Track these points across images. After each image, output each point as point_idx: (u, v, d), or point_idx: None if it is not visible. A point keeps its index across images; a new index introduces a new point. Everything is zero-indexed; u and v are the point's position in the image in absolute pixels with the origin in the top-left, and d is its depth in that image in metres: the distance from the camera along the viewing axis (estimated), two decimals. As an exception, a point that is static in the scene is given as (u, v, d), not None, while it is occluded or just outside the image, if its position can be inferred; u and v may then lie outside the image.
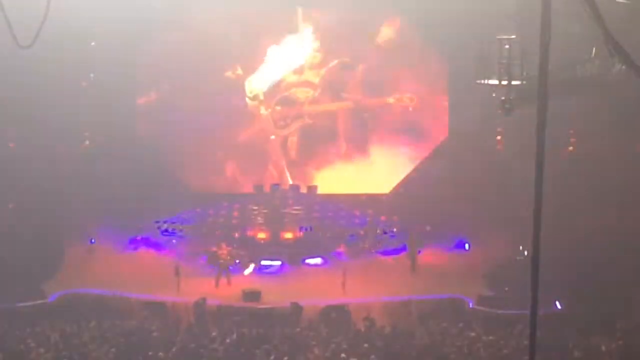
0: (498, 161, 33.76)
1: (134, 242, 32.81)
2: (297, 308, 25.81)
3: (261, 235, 33.14)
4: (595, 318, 24.00)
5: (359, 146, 35.83)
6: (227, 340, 21.87)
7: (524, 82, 18.45)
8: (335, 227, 33.98)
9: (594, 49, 18.80)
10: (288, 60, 34.88)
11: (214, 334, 22.65)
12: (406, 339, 22.43)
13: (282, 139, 35.87)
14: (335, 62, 35.05)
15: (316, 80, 35.35)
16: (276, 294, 27.54)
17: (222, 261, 28.98)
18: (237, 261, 30.10)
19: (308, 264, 31.75)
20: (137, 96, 32.88)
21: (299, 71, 35.21)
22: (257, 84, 34.97)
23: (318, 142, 35.83)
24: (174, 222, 33.81)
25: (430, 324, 24.44)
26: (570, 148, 32.47)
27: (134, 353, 21.05)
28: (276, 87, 35.22)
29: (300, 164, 35.87)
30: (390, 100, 35.43)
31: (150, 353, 20.77)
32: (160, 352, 20.71)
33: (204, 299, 26.00)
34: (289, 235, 33.22)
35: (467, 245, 32.58)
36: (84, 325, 23.16)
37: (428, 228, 33.26)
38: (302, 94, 35.48)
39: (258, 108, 35.34)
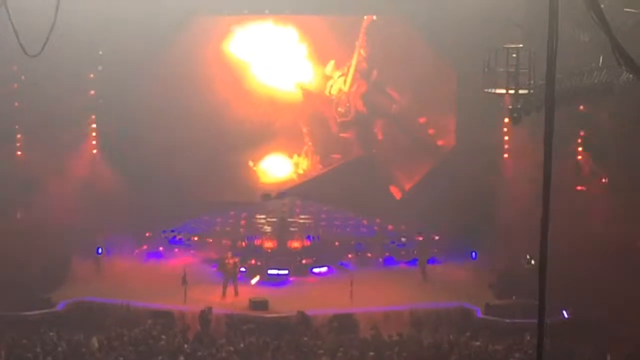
0: (505, 170, 33.67)
1: (142, 251, 32.85)
2: (304, 317, 25.79)
3: (268, 244, 33.06)
4: (602, 327, 23.94)
5: (365, 155, 35.74)
6: (234, 349, 21.86)
7: (532, 91, 18.40)
8: (343, 236, 33.98)
9: (601, 57, 18.74)
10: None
11: (221, 342, 22.64)
12: (413, 348, 22.39)
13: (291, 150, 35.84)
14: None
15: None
16: (283, 303, 27.52)
17: (229, 270, 28.95)
18: (244, 270, 30.11)
19: (315, 273, 31.74)
20: (144, 104, 32.78)
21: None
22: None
23: (324, 152, 35.77)
24: (181, 231, 33.83)
25: (437, 333, 24.41)
26: (579, 157, 32.36)
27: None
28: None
29: (308, 171, 35.79)
30: (397, 110, 35.32)
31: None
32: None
33: (209, 308, 25.98)
34: (296, 244, 33.15)
35: (474, 254, 32.52)
36: (92, 334, 23.19)
37: (436, 237, 33.26)
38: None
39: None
